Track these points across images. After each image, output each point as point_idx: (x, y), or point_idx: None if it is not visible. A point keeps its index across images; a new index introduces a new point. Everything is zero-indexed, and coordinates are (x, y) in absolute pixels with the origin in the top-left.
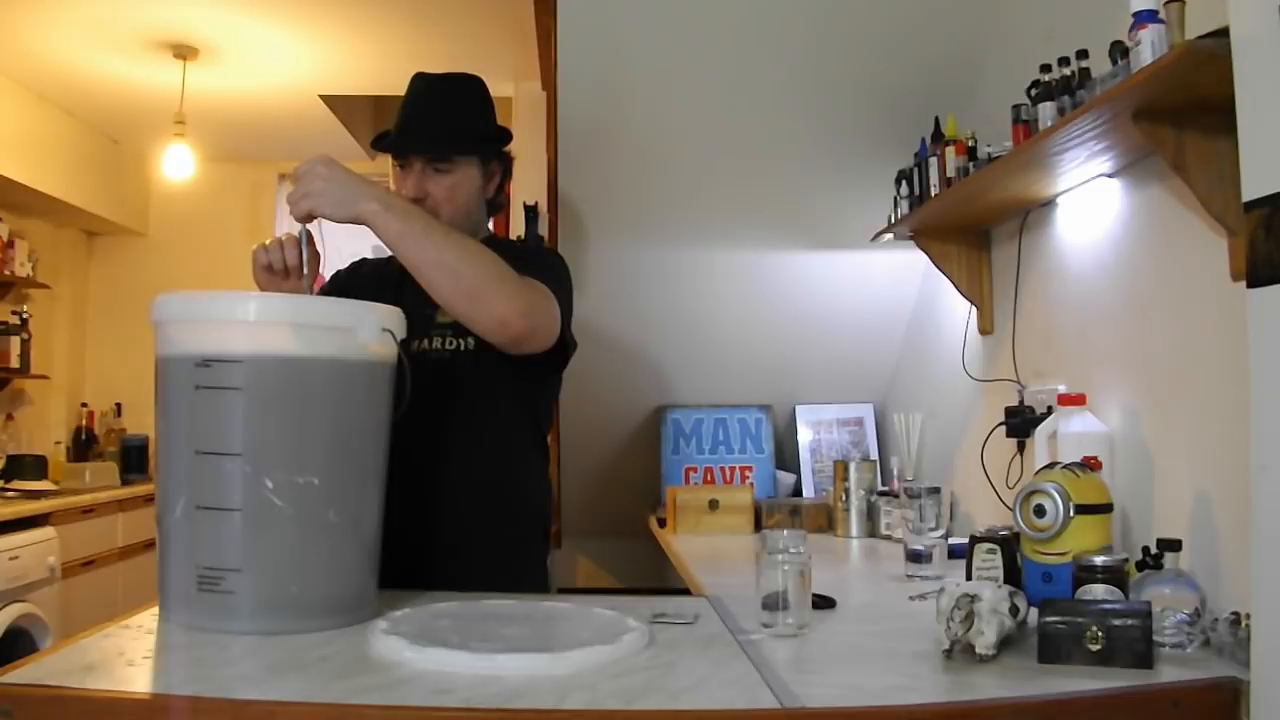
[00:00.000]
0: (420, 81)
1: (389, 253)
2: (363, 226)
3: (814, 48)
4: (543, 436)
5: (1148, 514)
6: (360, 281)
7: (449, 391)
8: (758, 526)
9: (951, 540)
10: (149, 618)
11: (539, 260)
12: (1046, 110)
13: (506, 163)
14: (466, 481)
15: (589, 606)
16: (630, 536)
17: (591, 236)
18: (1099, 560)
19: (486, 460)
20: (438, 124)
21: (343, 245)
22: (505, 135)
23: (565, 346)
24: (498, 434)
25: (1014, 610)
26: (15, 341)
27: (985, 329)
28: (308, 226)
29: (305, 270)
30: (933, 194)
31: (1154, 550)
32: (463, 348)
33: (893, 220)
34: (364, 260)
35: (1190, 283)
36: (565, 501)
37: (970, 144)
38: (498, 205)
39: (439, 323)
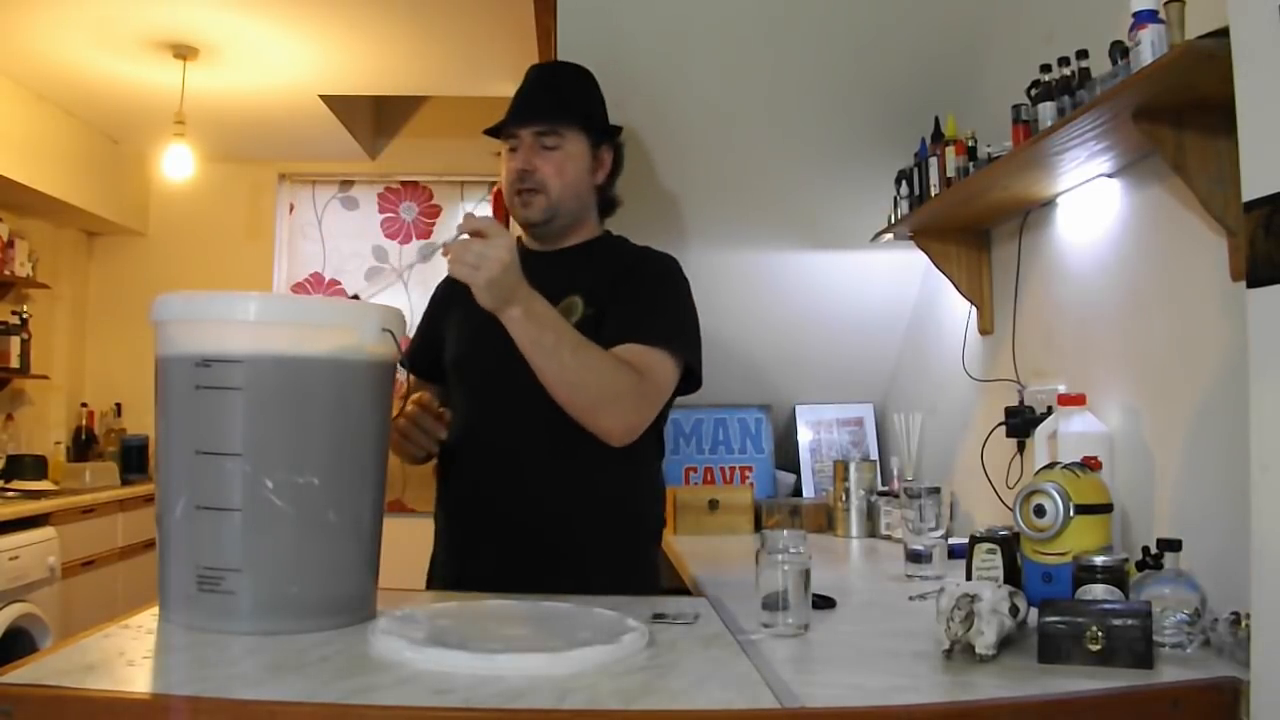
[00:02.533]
0: (531, 70)
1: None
2: (359, 226)
3: (814, 47)
4: (660, 436)
5: (1148, 514)
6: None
7: None
8: (758, 526)
9: (951, 540)
10: (149, 618)
11: (668, 296)
12: (1046, 110)
13: (618, 154)
14: (591, 494)
15: (589, 606)
16: None
17: None
18: (1099, 560)
19: (610, 473)
20: (544, 101)
21: (342, 244)
22: (616, 128)
23: (693, 381)
24: (623, 449)
25: (1014, 610)
26: (15, 341)
27: (985, 329)
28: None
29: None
30: (933, 194)
31: (1154, 550)
32: None
33: (893, 220)
34: None
35: (1190, 283)
36: None
37: (970, 144)
38: (609, 201)
39: None
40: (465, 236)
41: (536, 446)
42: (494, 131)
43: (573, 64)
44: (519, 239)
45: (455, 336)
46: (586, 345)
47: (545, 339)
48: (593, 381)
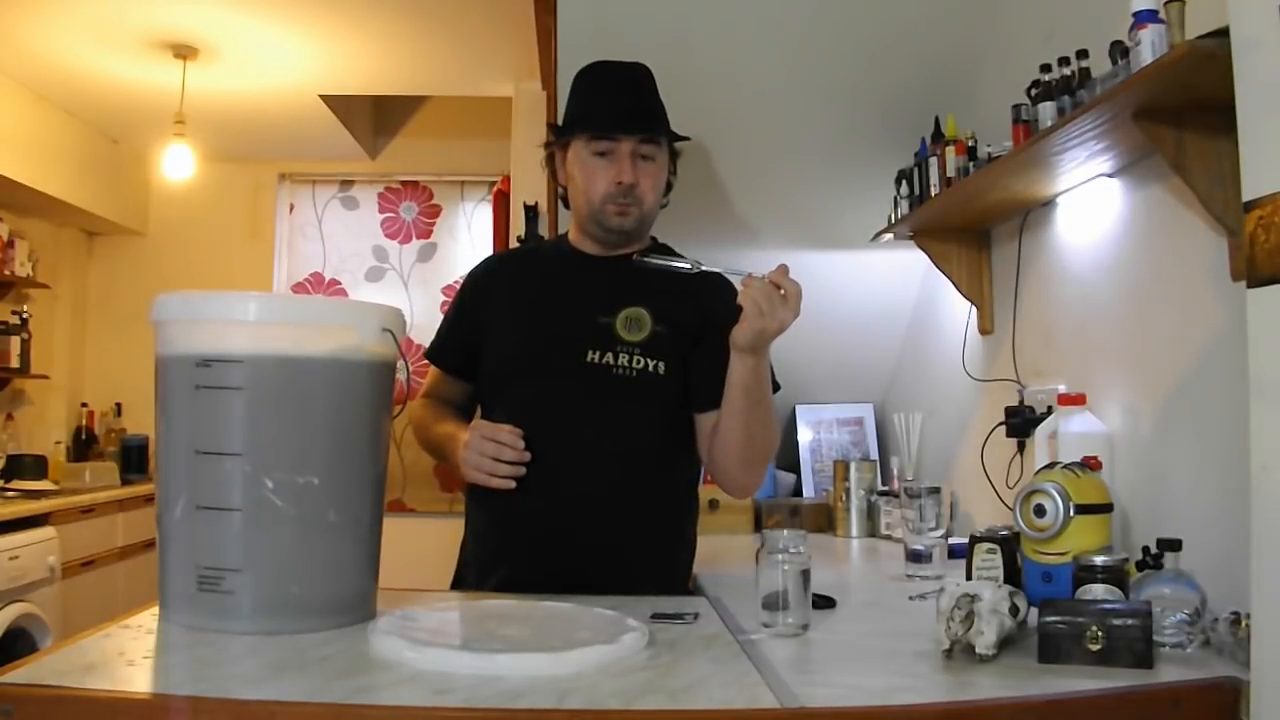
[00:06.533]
0: (613, 68)
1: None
2: (359, 225)
3: (814, 48)
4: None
5: (1148, 514)
6: (505, 279)
7: (630, 408)
8: (758, 526)
9: (951, 540)
10: (149, 618)
11: None
12: (1046, 110)
13: (675, 165)
14: (636, 490)
15: (589, 606)
16: None
17: None
18: (1099, 560)
19: (670, 481)
20: (643, 108)
21: (343, 245)
22: (684, 138)
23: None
24: (672, 450)
25: (1014, 610)
26: (15, 341)
27: (985, 329)
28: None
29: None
30: (933, 194)
31: (1154, 550)
32: (651, 369)
33: (893, 220)
34: (495, 260)
35: (1190, 283)
36: None
37: (970, 144)
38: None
39: (626, 340)
40: (767, 279)
41: (606, 451)
42: (584, 130)
43: (642, 64)
44: (565, 238)
45: (514, 333)
46: (772, 408)
47: (755, 390)
48: (766, 440)
